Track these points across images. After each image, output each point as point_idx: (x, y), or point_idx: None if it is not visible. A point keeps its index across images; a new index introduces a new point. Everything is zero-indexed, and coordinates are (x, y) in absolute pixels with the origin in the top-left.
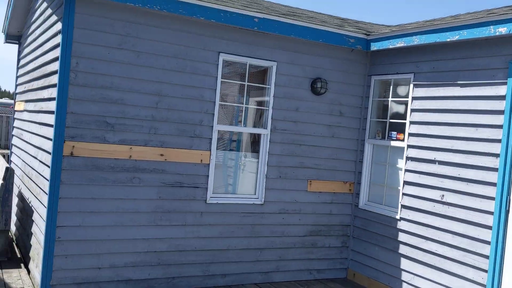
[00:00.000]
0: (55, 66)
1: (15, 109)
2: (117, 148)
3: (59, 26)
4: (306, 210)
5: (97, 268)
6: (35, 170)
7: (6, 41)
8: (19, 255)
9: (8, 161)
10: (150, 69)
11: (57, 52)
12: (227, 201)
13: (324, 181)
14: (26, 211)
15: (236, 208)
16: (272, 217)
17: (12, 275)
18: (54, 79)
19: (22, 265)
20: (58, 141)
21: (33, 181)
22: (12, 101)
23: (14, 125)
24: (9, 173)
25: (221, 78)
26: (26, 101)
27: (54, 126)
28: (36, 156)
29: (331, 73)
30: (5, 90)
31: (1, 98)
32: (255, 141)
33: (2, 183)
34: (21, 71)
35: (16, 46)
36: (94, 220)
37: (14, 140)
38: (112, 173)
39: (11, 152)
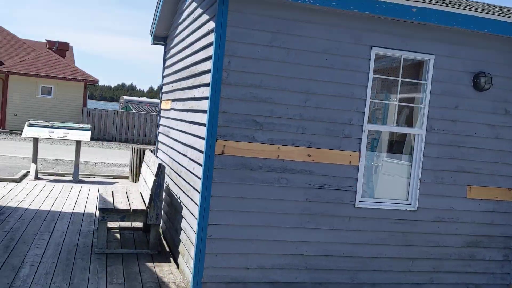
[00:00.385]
0: (207, 65)
1: (161, 107)
2: (265, 148)
3: (211, 25)
4: (464, 218)
5: (245, 268)
6: (184, 167)
7: (154, 43)
8: (167, 249)
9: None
10: (299, 66)
11: (209, 51)
12: (377, 206)
13: (486, 188)
14: (174, 206)
15: (386, 214)
16: (426, 225)
17: (163, 269)
18: (206, 78)
19: (171, 259)
20: (211, 140)
21: (182, 178)
22: (147, 100)
23: (160, 122)
24: (160, 170)
25: (373, 74)
26: (173, 100)
27: (206, 125)
28: (185, 153)
29: (495, 67)
30: (139, 89)
31: (138, 97)
32: (397, 140)
33: (154, 179)
34: (167, 71)
35: (162, 47)
36: (243, 219)
37: (160, 137)
38: (260, 172)
39: (157, 149)
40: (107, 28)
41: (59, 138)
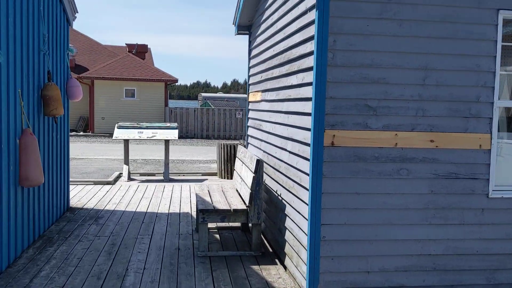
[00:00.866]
0: (307, 47)
1: (249, 100)
2: (380, 135)
3: (309, 2)
4: None
5: (366, 272)
6: (283, 161)
7: (238, 33)
8: (270, 249)
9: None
10: (415, 39)
11: (308, 32)
12: None
13: None
14: (274, 204)
15: None
16: None
17: (271, 273)
18: (307, 62)
19: (276, 260)
20: (318, 130)
21: (282, 173)
22: (224, 95)
23: (249, 116)
24: (259, 166)
25: (501, 42)
26: (263, 90)
27: (312, 114)
28: (284, 147)
29: None
30: (213, 86)
31: (215, 93)
32: None
33: (253, 176)
34: (253, 61)
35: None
36: (359, 217)
37: (251, 131)
38: (376, 164)
39: (247, 143)
40: (179, 28)
41: (148, 138)
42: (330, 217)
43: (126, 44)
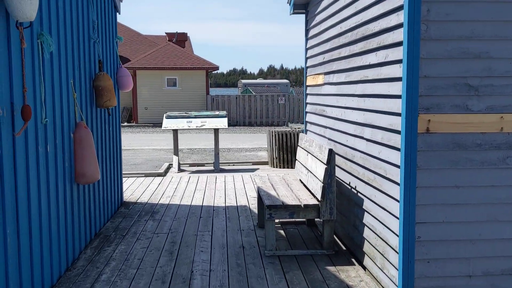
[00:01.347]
0: (391, 20)
1: (308, 84)
2: (483, 119)
3: None
4: None
5: (467, 276)
6: (359, 151)
7: (293, 12)
8: (343, 247)
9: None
10: None
11: (390, 3)
12: None
13: None
14: (346, 197)
15: None
16: None
17: (350, 275)
18: (390, 37)
19: (353, 260)
20: (411, 115)
21: (357, 164)
22: (264, 81)
23: (308, 101)
24: (332, 156)
25: None
26: (327, 73)
27: (404, 96)
28: (359, 134)
29: None
30: (250, 72)
31: (253, 79)
32: None
33: (326, 168)
34: (312, 42)
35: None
36: (459, 214)
37: (310, 118)
38: (479, 152)
39: (307, 130)
40: (214, 15)
41: (197, 128)
42: (425, 214)
43: (166, 33)
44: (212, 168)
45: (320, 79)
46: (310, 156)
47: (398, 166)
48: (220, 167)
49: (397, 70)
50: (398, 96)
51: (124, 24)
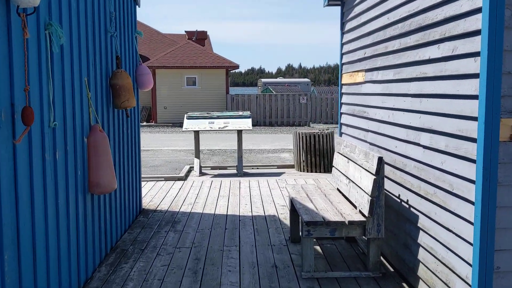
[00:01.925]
0: (460, 6)
1: (343, 82)
2: None
3: None
4: None
5: None
6: (413, 159)
7: (328, 4)
8: (390, 268)
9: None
10: None
11: None
12: None
13: None
14: (394, 211)
15: None
16: None
17: None
18: (460, 26)
19: (404, 285)
20: (491, 119)
21: (410, 174)
22: (285, 80)
23: (344, 101)
24: (382, 166)
25: None
26: (369, 69)
27: (483, 97)
28: (414, 140)
29: None
30: (268, 71)
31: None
32: None
33: (374, 179)
34: (350, 36)
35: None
36: None
37: (347, 119)
38: None
39: (342, 133)
40: (232, 15)
41: (220, 129)
42: (507, 240)
43: (185, 31)
44: (235, 171)
45: (360, 77)
46: (352, 163)
47: (470, 181)
48: (243, 170)
49: (471, 65)
50: (472, 97)
51: (143, 22)
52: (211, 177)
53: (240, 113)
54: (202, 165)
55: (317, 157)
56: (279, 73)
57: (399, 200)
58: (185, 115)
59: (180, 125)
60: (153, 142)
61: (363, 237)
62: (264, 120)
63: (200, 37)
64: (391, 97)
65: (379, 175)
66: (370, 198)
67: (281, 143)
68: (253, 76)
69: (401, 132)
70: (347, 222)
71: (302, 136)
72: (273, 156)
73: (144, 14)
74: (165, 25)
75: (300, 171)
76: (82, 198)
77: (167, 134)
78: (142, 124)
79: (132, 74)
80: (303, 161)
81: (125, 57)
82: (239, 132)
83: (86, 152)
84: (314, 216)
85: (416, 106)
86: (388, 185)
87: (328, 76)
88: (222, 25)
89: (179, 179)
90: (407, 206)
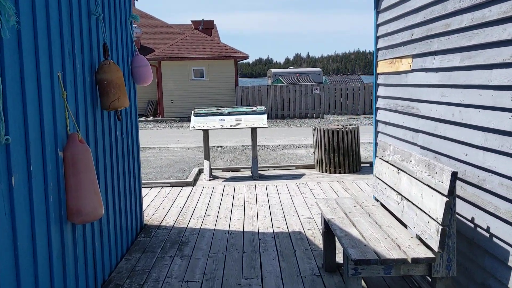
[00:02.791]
0: None
1: (380, 71)
2: None
3: None
4: None
5: None
6: (497, 173)
7: None
8: None
9: (375, 148)
10: None
11: None
12: None
13: None
14: (466, 239)
15: None
16: None
17: None
18: None
19: None
20: None
21: (493, 193)
22: (296, 70)
23: (380, 94)
24: (455, 184)
25: None
26: (418, 55)
27: None
28: (500, 148)
29: None
30: (276, 62)
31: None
32: None
33: (447, 202)
34: (389, 15)
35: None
36: None
37: (385, 116)
38: None
39: (378, 132)
40: (237, 5)
41: (232, 127)
42: None
43: (191, 21)
44: (249, 173)
45: (405, 64)
46: (404, 176)
47: None
48: (258, 172)
49: None
50: None
51: (146, 12)
52: (223, 181)
53: (254, 108)
54: (212, 167)
55: (341, 156)
56: (287, 62)
57: (472, 225)
58: (192, 112)
59: (188, 119)
60: (160, 139)
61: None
62: (275, 113)
63: (207, 27)
64: (456, 89)
65: (452, 196)
66: (440, 227)
67: (296, 137)
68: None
69: (475, 135)
70: (409, 260)
71: (324, 133)
72: (288, 153)
73: (148, 6)
74: (171, 18)
75: (322, 172)
76: (58, 231)
77: (174, 129)
78: (148, 119)
79: (126, 66)
80: (325, 161)
81: (116, 46)
82: (253, 130)
83: (62, 170)
84: (364, 251)
85: (504, 103)
86: (461, 206)
87: (337, 65)
88: (228, 17)
89: (187, 184)
90: (487, 234)
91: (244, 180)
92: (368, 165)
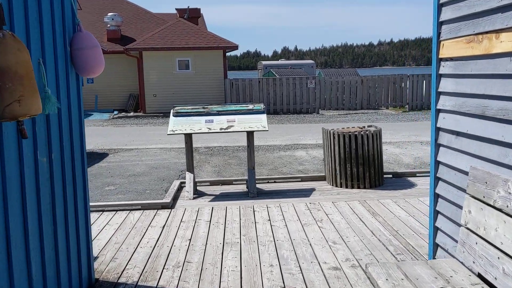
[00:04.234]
0: None
1: (446, 55)
2: None
3: None
4: None
5: None
6: None
7: None
8: None
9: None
10: None
11: None
12: None
13: None
14: None
15: None
16: None
17: None
18: None
19: None
20: None
21: None
22: (288, 62)
23: (447, 89)
24: None
25: None
26: None
27: None
28: None
29: None
30: (264, 55)
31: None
32: None
33: None
34: None
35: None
36: None
37: (455, 123)
38: None
39: (439, 146)
40: None
41: (223, 131)
42: None
43: (176, 9)
44: (244, 187)
45: (504, 43)
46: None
47: None
48: (257, 186)
49: None
50: None
51: (128, 0)
52: (211, 201)
53: (250, 106)
54: (197, 179)
55: (360, 167)
56: (275, 56)
57: None
58: (172, 111)
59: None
60: (139, 138)
61: None
62: (268, 108)
63: (193, 15)
64: None
65: None
66: None
67: (292, 136)
68: (249, 60)
69: None
70: None
71: (339, 138)
72: (287, 156)
73: None
74: (155, 10)
75: (335, 186)
76: None
77: (156, 126)
78: (128, 114)
79: (60, 47)
80: (340, 173)
81: (25, 9)
82: (250, 135)
83: None
84: None
85: None
86: None
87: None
88: (215, 9)
89: (164, 206)
90: None
91: (238, 198)
92: (391, 176)
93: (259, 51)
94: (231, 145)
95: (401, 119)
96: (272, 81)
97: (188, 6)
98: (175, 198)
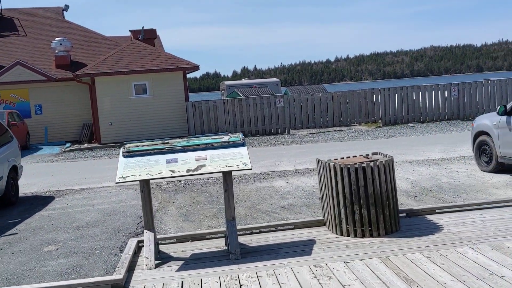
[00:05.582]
0: None
1: None
2: None
3: None
4: None
5: None
6: None
7: None
8: None
9: None
10: None
11: None
12: None
13: None
14: None
15: None
16: None
17: None
18: None
19: None
20: None
21: None
22: (252, 81)
23: None
24: None
25: None
26: None
27: None
28: None
29: None
30: (224, 75)
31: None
32: None
33: None
34: None
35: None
36: None
37: None
38: None
39: None
40: (181, 21)
41: (191, 174)
42: None
43: (130, 31)
44: (222, 244)
45: None
46: None
47: None
48: (240, 242)
49: None
50: None
51: (79, 24)
52: (178, 270)
53: (225, 137)
54: (160, 236)
55: (372, 208)
56: (236, 76)
57: None
58: (121, 149)
59: None
60: (92, 175)
61: None
62: (235, 130)
63: (149, 36)
64: None
65: None
66: None
67: (266, 161)
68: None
69: None
70: None
71: (341, 172)
72: (265, 187)
73: (82, 22)
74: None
75: (340, 234)
76: None
77: (112, 159)
78: (82, 146)
79: None
80: (345, 216)
81: None
82: (227, 175)
83: None
84: None
85: None
86: None
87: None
88: (172, 32)
89: (114, 286)
90: None
91: (216, 263)
92: (405, 215)
93: (219, 72)
94: (199, 178)
95: (377, 136)
96: (238, 101)
97: (143, 27)
98: (131, 267)
